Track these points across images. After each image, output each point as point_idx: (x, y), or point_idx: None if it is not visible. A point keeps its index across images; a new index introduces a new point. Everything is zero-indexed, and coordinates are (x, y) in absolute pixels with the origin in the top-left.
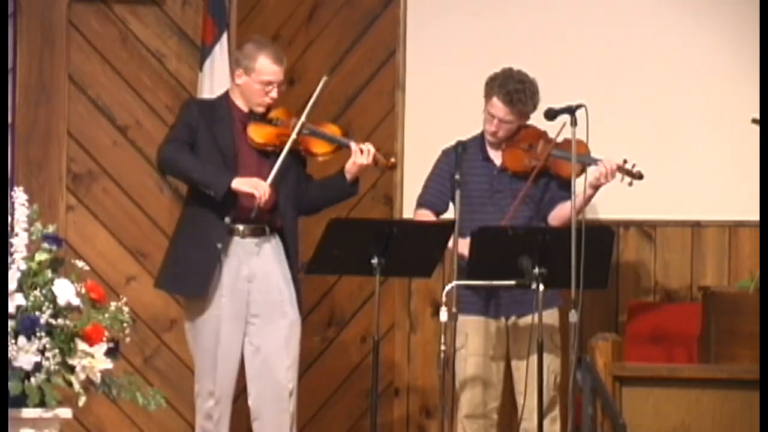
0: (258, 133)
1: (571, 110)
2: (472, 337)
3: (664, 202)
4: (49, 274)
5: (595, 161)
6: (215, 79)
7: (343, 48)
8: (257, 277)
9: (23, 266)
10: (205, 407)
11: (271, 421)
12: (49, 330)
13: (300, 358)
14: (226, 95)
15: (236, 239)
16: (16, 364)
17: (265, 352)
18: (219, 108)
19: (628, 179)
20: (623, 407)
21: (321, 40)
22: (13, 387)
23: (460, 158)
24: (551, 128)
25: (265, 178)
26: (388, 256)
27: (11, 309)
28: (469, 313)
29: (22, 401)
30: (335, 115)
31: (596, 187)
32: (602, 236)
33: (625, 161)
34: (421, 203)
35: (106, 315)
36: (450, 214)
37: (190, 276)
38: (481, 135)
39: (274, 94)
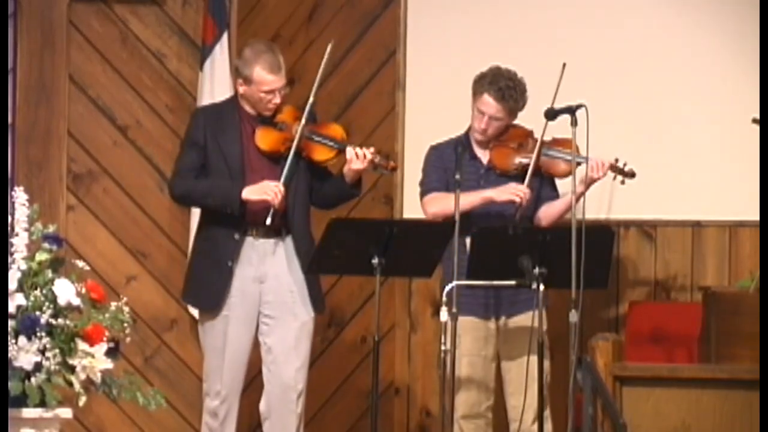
0: (264, 141)
1: (571, 110)
2: (464, 338)
3: (664, 202)
4: (49, 274)
5: (585, 159)
6: (215, 79)
7: (343, 48)
8: (269, 278)
9: (23, 266)
10: (211, 406)
11: (278, 421)
12: (50, 330)
13: None
14: (234, 98)
15: (249, 240)
16: (16, 364)
17: (275, 352)
18: (226, 113)
19: (620, 178)
20: (623, 407)
21: (321, 40)
22: (14, 387)
23: (460, 158)
24: (537, 128)
25: (276, 180)
26: (388, 256)
27: (11, 309)
28: (462, 313)
29: (22, 401)
30: (335, 115)
31: (588, 184)
32: (602, 236)
33: (617, 159)
34: (428, 189)
35: (107, 315)
36: None
37: (205, 292)
38: (467, 135)
39: (276, 100)
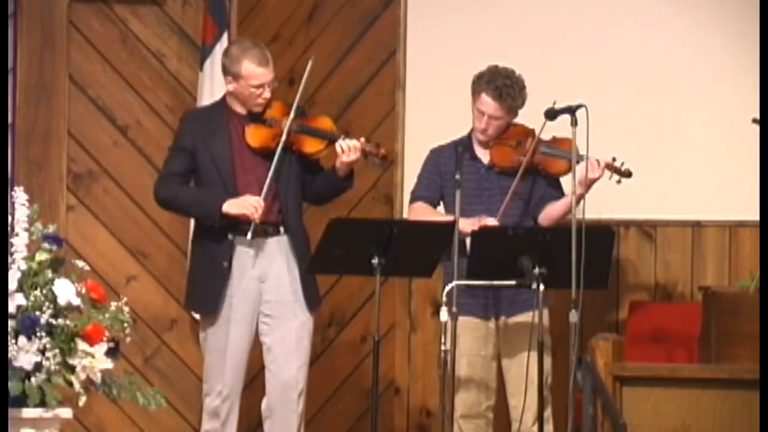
0: (254, 138)
1: (571, 110)
2: (464, 337)
3: (664, 202)
4: (49, 274)
5: (582, 158)
6: (215, 79)
7: (343, 48)
8: (269, 277)
9: (23, 266)
10: (212, 406)
11: (279, 420)
12: (50, 330)
13: None
14: (223, 100)
15: (244, 238)
16: (16, 364)
17: (276, 352)
18: (215, 116)
19: (616, 177)
20: (623, 407)
21: (321, 40)
22: (14, 387)
23: (461, 158)
24: (551, 128)
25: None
26: (388, 256)
27: (11, 309)
28: (461, 313)
29: (22, 401)
30: (335, 115)
31: (587, 185)
32: (602, 236)
33: (614, 159)
34: (415, 197)
35: (107, 315)
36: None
37: (203, 296)
38: (468, 136)
39: (267, 94)
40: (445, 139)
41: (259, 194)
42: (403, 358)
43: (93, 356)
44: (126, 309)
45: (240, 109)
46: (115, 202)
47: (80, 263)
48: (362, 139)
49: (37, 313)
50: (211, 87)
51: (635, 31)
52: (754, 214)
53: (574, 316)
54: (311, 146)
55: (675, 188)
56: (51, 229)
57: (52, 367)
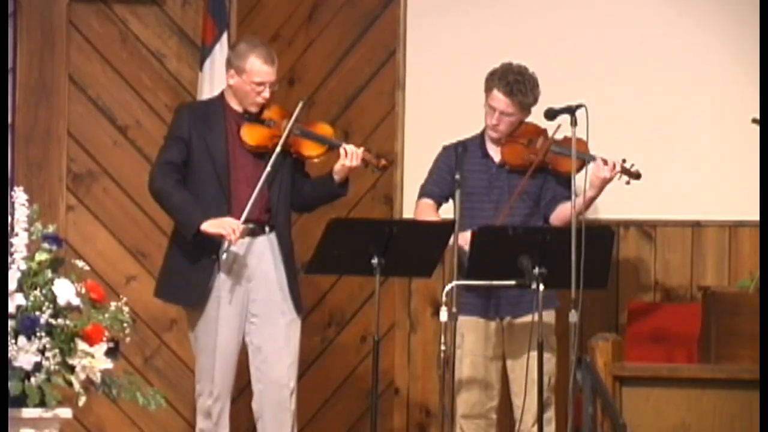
0: (250, 135)
1: (571, 110)
2: (468, 338)
3: (664, 202)
4: (49, 274)
5: (593, 158)
6: (215, 79)
7: (343, 48)
8: (256, 277)
9: (23, 266)
10: (205, 406)
11: (272, 420)
12: (49, 330)
13: (300, 358)
14: (220, 96)
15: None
16: (16, 364)
17: (265, 351)
18: (212, 111)
19: (625, 178)
20: (623, 407)
21: (321, 40)
22: (13, 387)
23: (461, 158)
24: (551, 127)
25: (258, 179)
26: (388, 256)
27: (11, 309)
28: (465, 313)
29: (22, 401)
30: (335, 115)
31: (599, 187)
32: (602, 236)
33: (624, 160)
34: (423, 193)
35: (106, 315)
36: (449, 211)
37: (187, 288)
38: (481, 134)
39: (266, 94)
40: (444, 138)
41: (251, 192)
42: (402, 358)
43: (93, 356)
44: (126, 309)
45: (237, 107)
46: (114, 202)
47: (80, 263)
48: (362, 149)
49: (37, 313)
50: (211, 87)
51: (635, 31)
52: (753, 214)
53: (573, 316)
54: (310, 149)
55: (675, 188)
56: (51, 229)
57: (52, 367)
